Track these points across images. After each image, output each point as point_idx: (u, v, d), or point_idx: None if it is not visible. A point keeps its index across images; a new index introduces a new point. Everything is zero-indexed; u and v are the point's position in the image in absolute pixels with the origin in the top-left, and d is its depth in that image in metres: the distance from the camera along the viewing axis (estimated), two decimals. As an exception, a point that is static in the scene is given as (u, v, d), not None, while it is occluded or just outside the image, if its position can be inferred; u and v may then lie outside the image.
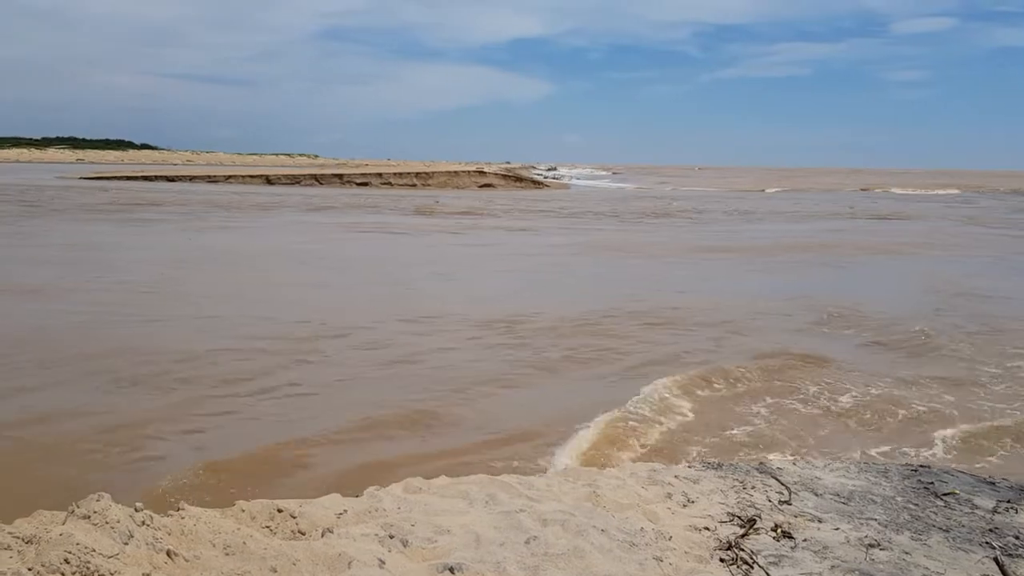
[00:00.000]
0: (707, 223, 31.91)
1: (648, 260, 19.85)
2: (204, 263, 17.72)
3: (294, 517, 4.11)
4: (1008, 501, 4.93)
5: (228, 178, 58.02)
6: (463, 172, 61.30)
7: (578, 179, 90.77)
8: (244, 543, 3.73)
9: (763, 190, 67.58)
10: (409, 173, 60.15)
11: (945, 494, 4.94)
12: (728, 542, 3.87)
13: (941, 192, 67.40)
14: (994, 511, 4.71)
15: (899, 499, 4.74)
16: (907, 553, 3.91)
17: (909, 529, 4.23)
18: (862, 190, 70.17)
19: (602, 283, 16.21)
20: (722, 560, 3.71)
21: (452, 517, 4.08)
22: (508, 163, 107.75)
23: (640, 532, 3.91)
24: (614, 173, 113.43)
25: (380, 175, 59.15)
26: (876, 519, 4.34)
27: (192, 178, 57.55)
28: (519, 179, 63.98)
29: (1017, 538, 4.29)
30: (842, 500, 4.62)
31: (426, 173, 60.20)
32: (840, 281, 17.01)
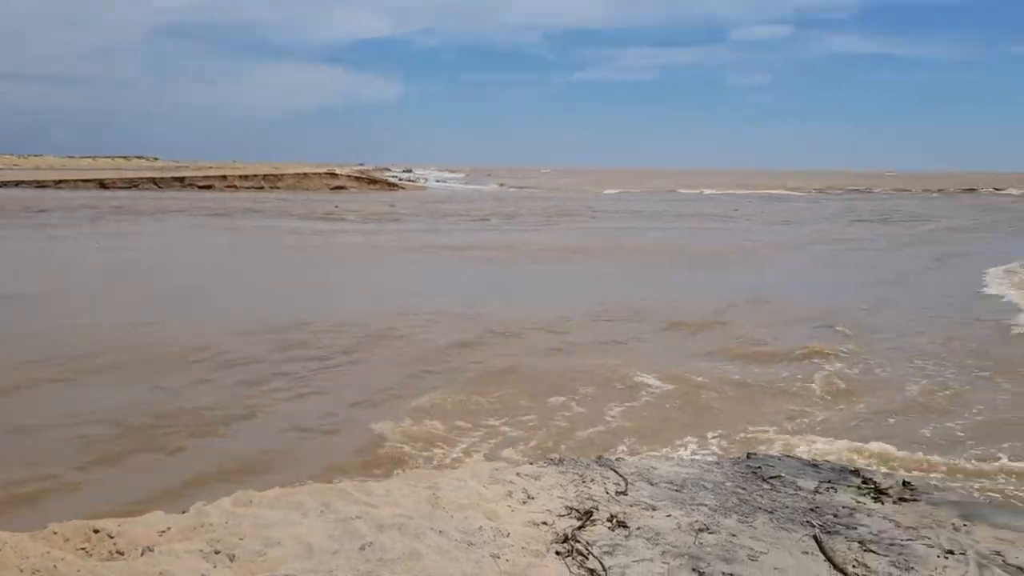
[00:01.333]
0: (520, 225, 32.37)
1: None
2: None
3: (112, 537, 3.84)
4: (828, 482, 5.22)
5: (58, 183, 54.35)
6: (314, 174, 59.94)
7: (436, 181, 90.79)
8: (54, 567, 3.46)
9: (603, 191, 69.90)
10: (256, 176, 58.25)
11: (771, 477, 5.17)
12: (565, 535, 3.90)
13: (742, 192, 71.17)
14: (815, 491, 4.97)
15: (729, 484, 4.92)
16: (734, 535, 4.06)
17: (737, 512, 4.40)
18: (684, 191, 73.18)
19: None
20: (558, 553, 3.73)
21: (284, 528, 3.92)
22: (362, 165, 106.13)
23: (478, 531, 3.89)
24: (467, 175, 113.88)
25: (224, 178, 56.99)
26: (707, 504, 4.49)
27: (19, 183, 53.53)
28: (373, 181, 63.20)
29: (835, 516, 4.53)
30: (675, 488, 4.76)
31: (274, 176, 58.47)
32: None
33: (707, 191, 71.93)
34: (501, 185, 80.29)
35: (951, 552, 4.06)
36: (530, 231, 29.30)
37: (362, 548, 3.64)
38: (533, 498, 4.45)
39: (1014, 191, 70.63)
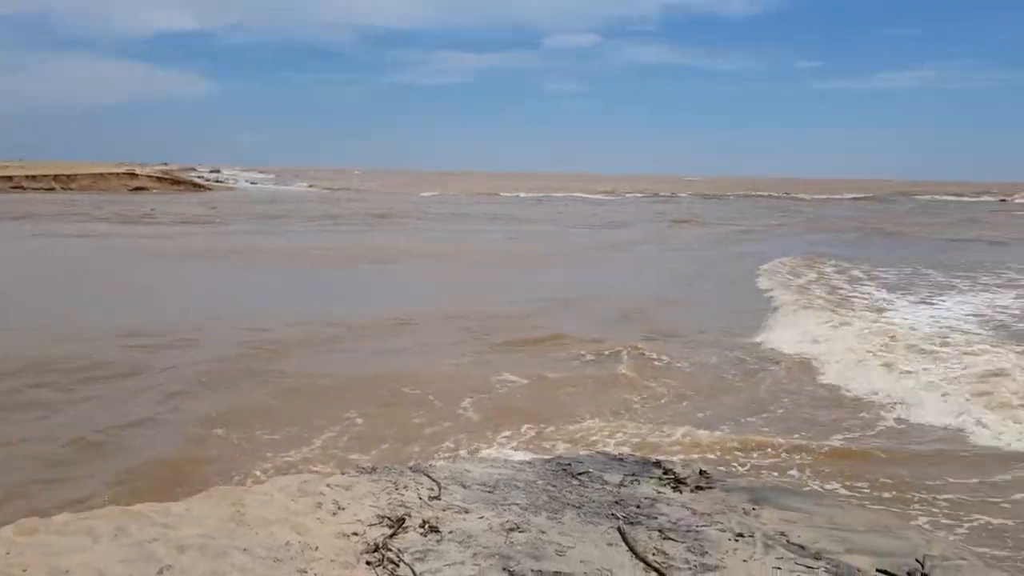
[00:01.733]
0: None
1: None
2: None
3: None
4: (633, 474, 5.45)
5: None
6: (111, 175, 56.28)
7: (246, 182, 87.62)
8: None
9: (420, 193, 70.23)
10: (46, 176, 53.94)
11: (580, 473, 5.34)
12: (376, 544, 3.85)
13: (560, 195, 73.77)
14: (621, 484, 5.18)
15: (540, 483, 5.03)
16: (543, 532, 4.16)
17: (546, 510, 4.51)
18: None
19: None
20: (368, 563, 3.67)
21: (73, 556, 3.63)
22: (166, 165, 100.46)
23: (285, 546, 3.77)
24: (277, 176, 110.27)
25: (10, 179, 52.41)
26: (518, 503, 4.57)
27: None
28: (177, 182, 60.15)
29: (638, 507, 4.74)
30: (488, 489, 4.81)
31: (67, 176, 54.39)
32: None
33: (523, 194, 73.71)
34: (310, 186, 78.76)
35: (741, 535, 4.34)
36: (366, 232, 28.92)
37: (160, 572, 3.43)
38: (344, 509, 4.36)
39: (806, 196, 77.09)
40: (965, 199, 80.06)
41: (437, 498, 4.61)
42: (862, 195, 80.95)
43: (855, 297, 15.67)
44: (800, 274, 19.08)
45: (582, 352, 10.59)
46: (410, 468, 5.21)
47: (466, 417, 7.86)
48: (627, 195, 76.19)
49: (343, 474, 5.17)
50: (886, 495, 6.28)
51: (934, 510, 6.07)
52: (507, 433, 7.31)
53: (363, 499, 4.54)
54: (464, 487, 4.85)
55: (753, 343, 11.27)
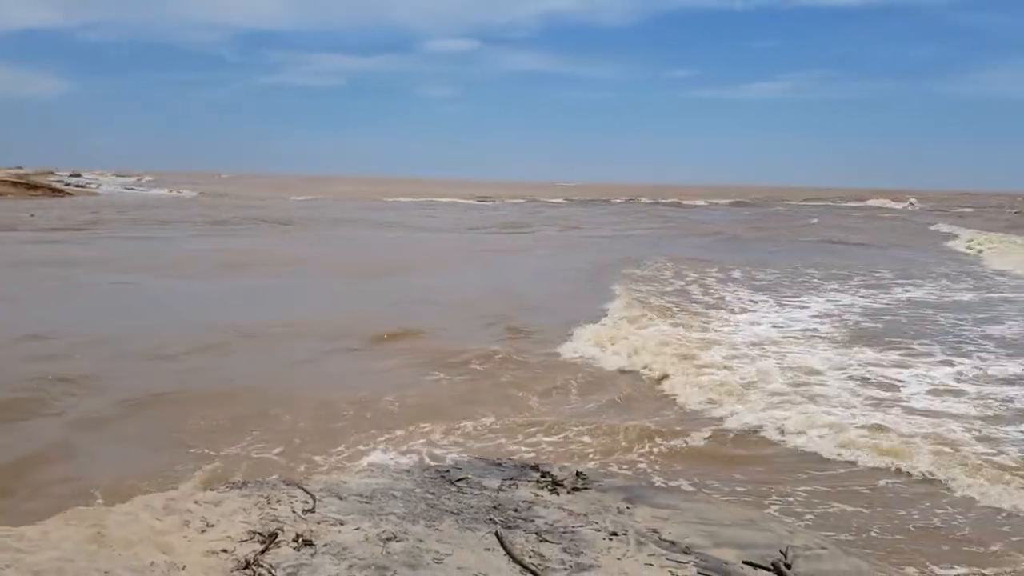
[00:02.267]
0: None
1: None
2: None
3: None
4: (511, 479, 5.49)
5: None
6: (-42, 179, 52.62)
7: (110, 186, 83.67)
8: None
9: (289, 197, 69.14)
10: None
11: (458, 480, 5.34)
12: (246, 560, 3.73)
13: (446, 200, 73.93)
14: (499, 490, 5.21)
15: (418, 491, 5.01)
16: (421, 540, 4.13)
17: (424, 518, 4.49)
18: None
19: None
20: (239, 581, 3.56)
21: (-89, 589, 3.37)
22: (20, 168, 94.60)
23: (150, 567, 3.60)
24: (138, 180, 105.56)
25: None
26: (395, 513, 4.53)
27: None
28: (34, 186, 56.81)
29: (516, 511, 4.78)
30: (365, 500, 4.75)
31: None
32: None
33: (403, 199, 73.30)
34: (171, 191, 76.36)
35: (615, 534, 4.44)
36: (256, 237, 28.07)
37: (9, 602, 3.22)
38: (213, 525, 4.21)
39: (685, 201, 79.74)
40: (829, 203, 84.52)
41: (311, 511, 4.51)
42: (738, 199, 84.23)
43: (704, 299, 16.17)
44: (655, 277, 19.54)
45: (432, 356, 10.66)
46: (283, 482, 5.08)
47: (333, 427, 7.72)
48: (508, 200, 76.94)
49: (212, 490, 4.99)
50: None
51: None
52: (368, 443, 7.22)
53: (233, 515, 4.40)
54: (340, 499, 4.77)
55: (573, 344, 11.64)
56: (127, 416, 7.99)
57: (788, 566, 4.23)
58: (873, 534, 5.94)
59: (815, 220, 51.53)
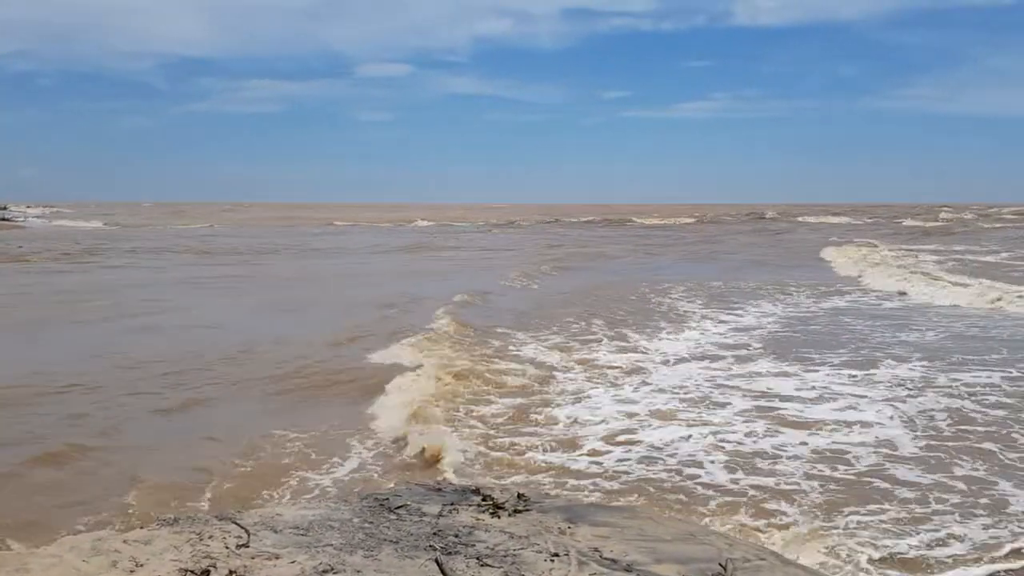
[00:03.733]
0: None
1: None
2: None
3: None
4: (452, 504, 5.43)
5: None
6: None
7: (35, 218, 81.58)
8: None
9: (212, 225, 68.79)
10: None
11: (398, 507, 5.26)
12: (177, 601, 3.61)
13: (386, 225, 74.06)
14: (439, 515, 5.14)
15: (356, 520, 4.92)
16: (359, 571, 4.06)
17: (363, 547, 4.41)
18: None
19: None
20: (168, 622, 3.44)
21: None
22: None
23: (74, 612, 3.46)
24: (52, 211, 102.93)
25: None
26: (332, 544, 4.44)
27: None
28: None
29: (456, 536, 4.72)
30: (301, 532, 4.65)
31: None
32: None
33: (338, 223, 73.02)
34: (107, 225, 74.93)
35: (556, 554, 4.42)
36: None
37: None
38: (142, 565, 4.07)
39: (637, 220, 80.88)
40: (757, 217, 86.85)
41: (246, 545, 4.39)
42: (692, 219, 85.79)
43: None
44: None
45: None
46: (216, 517, 4.95)
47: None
48: (421, 224, 77.36)
49: (142, 528, 4.83)
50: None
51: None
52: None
53: (164, 553, 4.26)
54: (275, 532, 4.65)
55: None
56: (55, 455, 7.74)
57: (727, 578, 4.26)
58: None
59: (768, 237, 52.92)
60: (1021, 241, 50.03)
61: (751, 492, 7.59)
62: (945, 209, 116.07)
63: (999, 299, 20.82)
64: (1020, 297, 20.79)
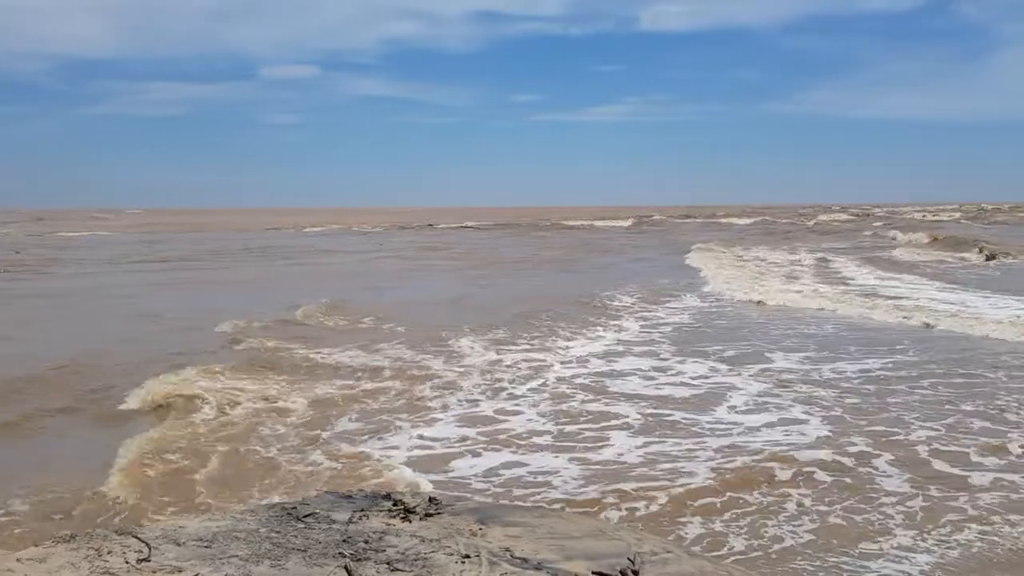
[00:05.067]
0: None
1: None
2: None
3: None
4: (362, 510, 5.38)
5: None
6: None
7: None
8: None
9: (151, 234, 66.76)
10: None
11: (306, 516, 5.18)
12: (73, 620, 3.48)
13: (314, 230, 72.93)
14: (349, 522, 5.09)
15: (263, 531, 4.82)
16: (265, 582, 3.98)
17: (269, 558, 4.32)
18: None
19: None
20: (63, 642, 3.31)
21: None
22: None
23: (-40, 637, 3.30)
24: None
25: None
26: (238, 555, 4.34)
27: None
28: None
29: (367, 542, 4.68)
30: (205, 544, 4.53)
31: None
32: None
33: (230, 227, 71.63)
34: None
35: (468, 556, 4.43)
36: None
37: None
38: (35, 585, 3.90)
39: (570, 223, 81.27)
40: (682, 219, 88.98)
41: (147, 560, 4.26)
42: (625, 221, 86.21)
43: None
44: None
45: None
46: (115, 532, 4.78)
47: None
48: (314, 229, 76.39)
49: (36, 546, 4.63)
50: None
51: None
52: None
53: (60, 571, 4.10)
54: (178, 545, 4.52)
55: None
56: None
57: (635, 572, 4.34)
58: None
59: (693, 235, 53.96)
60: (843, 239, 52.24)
61: None
62: (835, 208, 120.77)
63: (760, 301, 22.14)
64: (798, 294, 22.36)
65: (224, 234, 63.51)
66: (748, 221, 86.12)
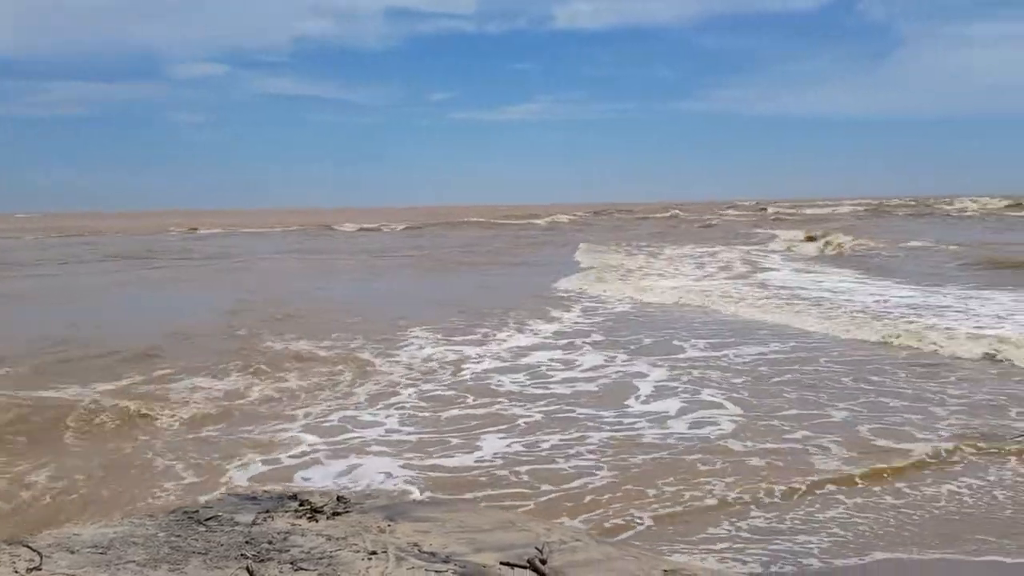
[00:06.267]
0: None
1: None
2: None
3: None
4: (267, 511, 5.27)
5: None
6: None
7: None
8: None
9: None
10: None
11: (208, 519, 5.05)
12: (-47, 635, 3.31)
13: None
14: (253, 524, 4.98)
15: (162, 535, 4.68)
16: (163, 586, 3.87)
17: (168, 562, 4.20)
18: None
19: None
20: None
21: None
22: None
23: None
24: None
25: None
26: (135, 560, 4.20)
27: None
28: None
29: (270, 543, 4.59)
30: (101, 551, 4.37)
31: None
32: None
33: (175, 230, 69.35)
34: None
35: (375, 553, 4.39)
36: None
37: None
38: (-88, 601, 3.70)
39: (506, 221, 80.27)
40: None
41: (38, 568, 4.08)
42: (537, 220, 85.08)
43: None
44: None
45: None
46: (4, 541, 4.57)
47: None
48: (206, 232, 73.88)
49: (-86, 562, 4.39)
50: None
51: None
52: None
53: (-60, 586, 3.89)
54: (72, 553, 4.35)
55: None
56: None
57: (544, 561, 4.38)
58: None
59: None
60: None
61: None
62: (747, 204, 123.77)
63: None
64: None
65: (96, 239, 60.12)
66: (662, 215, 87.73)
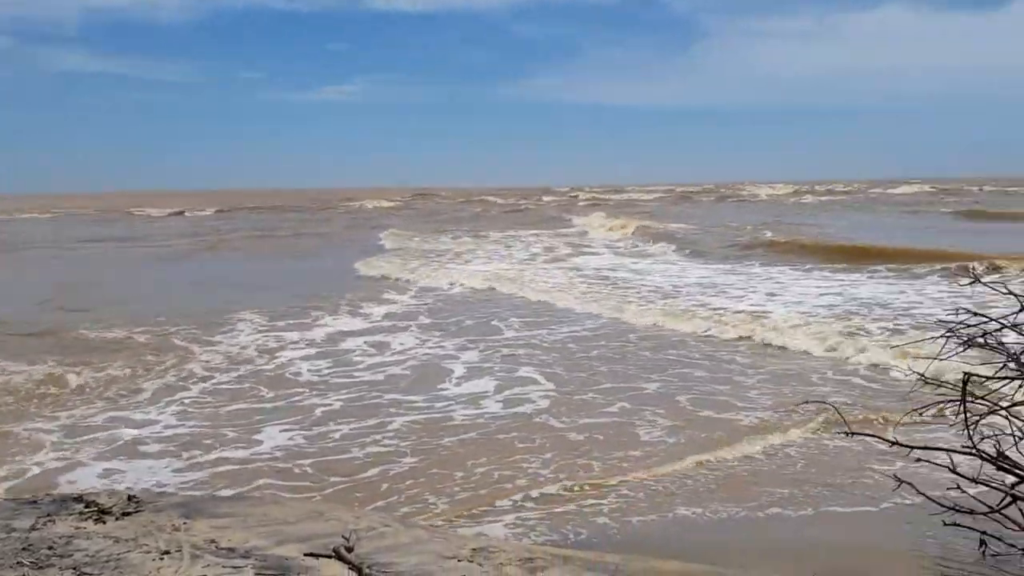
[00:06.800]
0: None
1: None
2: None
3: None
4: (48, 515, 4.87)
5: None
6: None
7: None
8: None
9: None
10: None
11: None
12: None
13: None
14: (32, 529, 4.59)
15: (-80, 548, 4.22)
16: (-82, 605, 3.48)
17: (-75, 577, 3.79)
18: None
19: None
20: None
21: None
22: None
23: None
24: None
25: None
26: None
27: None
28: None
29: (51, 548, 4.25)
30: None
31: None
32: None
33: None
34: None
35: (167, 552, 4.16)
36: None
37: None
38: None
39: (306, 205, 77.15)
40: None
41: None
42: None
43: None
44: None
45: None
46: None
47: None
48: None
49: None
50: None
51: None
52: None
53: None
54: None
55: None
56: None
57: (350, 549, 4.31)
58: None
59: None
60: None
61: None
62: (562, 191, 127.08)
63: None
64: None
65: None
66: (477, 199, 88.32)
